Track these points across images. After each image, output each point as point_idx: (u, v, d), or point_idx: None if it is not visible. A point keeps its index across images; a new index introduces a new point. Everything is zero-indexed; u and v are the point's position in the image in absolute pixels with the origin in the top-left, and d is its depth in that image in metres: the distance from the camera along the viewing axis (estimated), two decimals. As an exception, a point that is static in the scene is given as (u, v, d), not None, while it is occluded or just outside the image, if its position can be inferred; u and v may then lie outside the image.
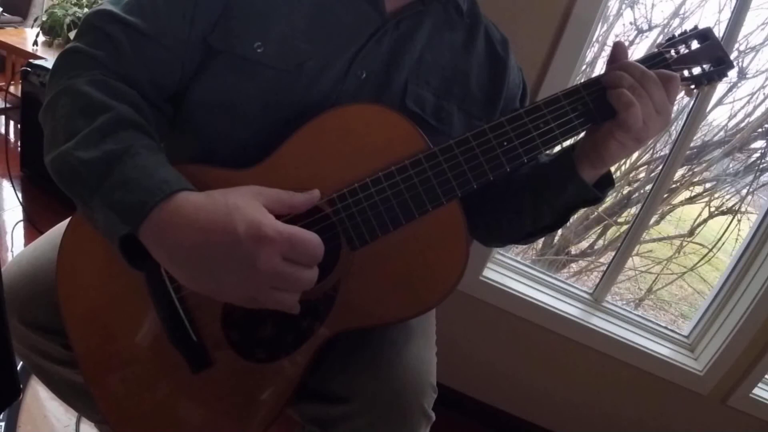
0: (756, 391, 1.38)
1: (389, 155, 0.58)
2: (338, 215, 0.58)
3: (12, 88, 2.34)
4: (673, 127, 1.89)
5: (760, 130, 2.43)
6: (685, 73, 0.65)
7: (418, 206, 0.58)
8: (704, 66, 0.66)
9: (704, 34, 0.66)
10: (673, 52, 0.65)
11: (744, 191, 2.57)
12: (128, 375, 0.61)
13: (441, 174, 0.58)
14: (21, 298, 0.63)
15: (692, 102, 1.31)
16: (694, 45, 0.65)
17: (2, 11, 2.86)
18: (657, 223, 2.81)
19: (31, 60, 1.93)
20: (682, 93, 0.65)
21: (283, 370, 0.61)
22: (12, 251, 1.60)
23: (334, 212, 0.58)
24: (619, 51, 0.63)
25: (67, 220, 0.69)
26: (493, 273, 1.41)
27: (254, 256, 0.47)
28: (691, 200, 2.71)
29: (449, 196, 0.59)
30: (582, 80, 0.64)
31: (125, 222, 0.49)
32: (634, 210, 2.57)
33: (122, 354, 0.61)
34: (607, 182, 0.67)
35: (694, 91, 0.67)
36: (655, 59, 0.64)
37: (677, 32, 0.67)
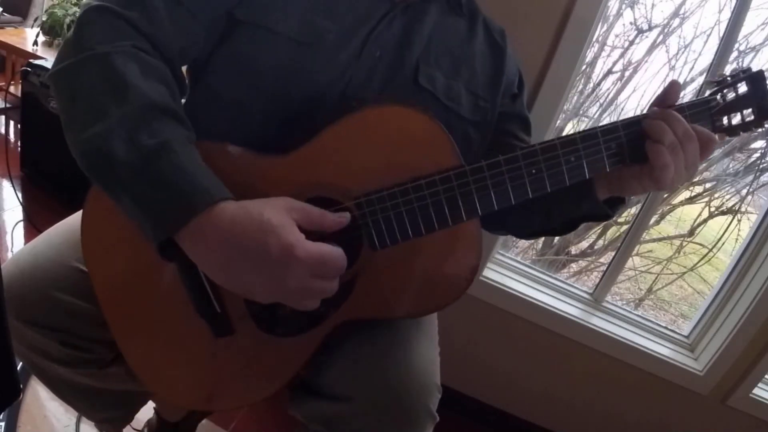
0: (756, 391, 1.38)
1: (421, 163, 0.60)
2: (363, 219, 0.60)
3: (12, 88, 2.34)
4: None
5: (760, 130, 2.42)
6: (725, 121, 0.64)
7: (441, 221, 0.60)
8: (745, 113, 0.64)
9: (756, 78, 0.63)
10: (719, 98, 0.63)
11: (744, 191, 2.58)
12: (157, 336, 0.64)
13: (467, 194, 0.60)
14: (19, 295, 0.63)
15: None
16: (742, 89, 0.63)
17: (2, 11, 2.86)
18: (657, 223, 2.81)
19: (31, 60, 1.93)
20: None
21: (298, 345, 0.65)
22: (12, 251, 1.60)
23: (360, 215, 0.60)
24: (672, 92, 0.62)
25: (65, 220, 0.69)
26: (493, 273, 1.41)
27: (285, 275, 0.51)
28: (691, 200, 2.71)
29: (471, 216, 0.60)
30: (620, 118, 0.62)
31: (162, 226, 0.49)
32: (634, 210, 2.57)
33: (151, 316, 0.63)
34: (619, 200, 0.68)
35: (726, 138, 0.66)
36: (701, 107, 0.63)
37: (729, 71, 0.65)
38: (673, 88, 0.63)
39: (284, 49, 0.63)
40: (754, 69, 0.64)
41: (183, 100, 0.68)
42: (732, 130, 0.65)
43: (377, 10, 0.68)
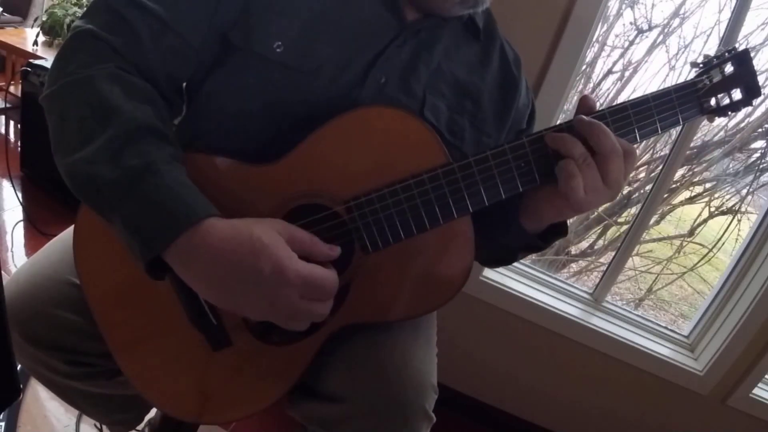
0: (756, 391, 1.38)
1: (408, 163, 0.59)
2: (354, 223, 0.59)
3: (12, 88, 2.34)
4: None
5: (760, 130, 2.43)
6: (712, 102, 0.63)
7: (431, 219, 0.59)
8: (732, 93, 0.63)
9: (741, 58, 0.63)
10: (706, 80, 0.62)
11: (744, 191, 2.58)
12: (152, 347, 0.63)
13: (457, 191, 0.59)
14: (21, 315, 0.63)
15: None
16: (728, 69, 0.63)
17: (2, 11, 2.86)
18: (657, 223, 2.81)
19: (31, 60, 1.93)
20: (704, 120, 0.64)
21: (296, 353, 0.65)
22: (12, 251, 1.60)
23: (350, 219, 0.59)
24: (585, 106, 0.60)
25: (63, 233, 0.69)
26: (493, 273, 1.41)
27: (274, 295, 0.50)
28: (691, 200, 2.71)
29: (462, 213, 0.60)
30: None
31: (148, 245, 0.48)
32: (634, 210, 2.57)
33: (146, 327, 0.62)
34: (559, 230, 0.67)
35: (716, 119, 0.66)
36: (687, 90, 0.62)
37: (715, 52, 0.65)
38: (584, 103, 0.60)
39: (281, 77, 0.62)
40: (740, 48, 0.63)
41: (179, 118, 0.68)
42: (721, 111, 0.64)
43: (386, 33, 0.64)
